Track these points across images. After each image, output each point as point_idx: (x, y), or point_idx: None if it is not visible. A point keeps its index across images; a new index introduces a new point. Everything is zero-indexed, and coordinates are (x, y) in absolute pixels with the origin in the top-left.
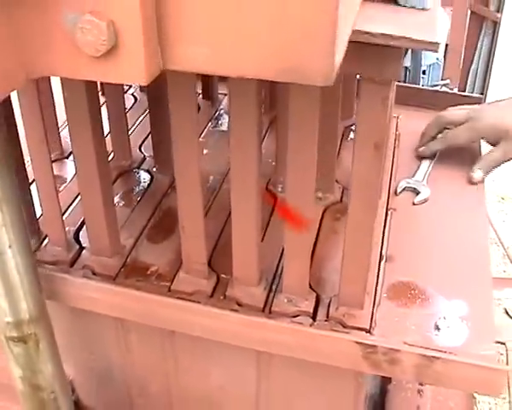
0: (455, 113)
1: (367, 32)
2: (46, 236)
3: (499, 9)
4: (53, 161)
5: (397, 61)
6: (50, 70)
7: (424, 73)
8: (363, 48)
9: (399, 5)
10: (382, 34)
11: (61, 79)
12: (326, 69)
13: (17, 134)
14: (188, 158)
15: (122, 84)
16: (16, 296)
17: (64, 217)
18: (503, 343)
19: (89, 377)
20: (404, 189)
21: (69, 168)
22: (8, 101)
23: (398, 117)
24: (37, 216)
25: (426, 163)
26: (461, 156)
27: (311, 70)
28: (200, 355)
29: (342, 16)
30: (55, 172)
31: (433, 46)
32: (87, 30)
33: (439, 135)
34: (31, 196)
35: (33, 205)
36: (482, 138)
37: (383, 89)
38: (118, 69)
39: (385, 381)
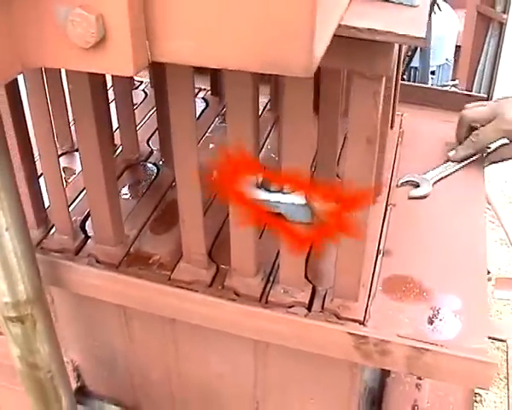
0: (477, 110)
1: (354, 27)
2: (53, 225)
3: (505, 10)
4: (63, 154)
5: (386, 56)
6: (44, 61)
7: (433, 73)
8: (353, 43)
9: (388, 1)
10: (369, 29)
11: (66, 71)
12: (306, 63)
13: (26, 127)
14: (186, 152)
15: (131, 81)
16: (14, 278)
17: (72, 207)
18: (504, 341)
19: (94, 364)
20: (406, 182)
21: (78, 161)
22: (14, 93)
23: (402, 115)
24: (46, 206)
25: (449, 166)
26: None
27: (291, 63)
28: (200, 344)
29: (323, 13)
30: (65, 164)
31: (418, 41)
32: (77, 23)
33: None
34: (39, 187)
35: (42, 196)
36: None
37: (374, 84)
38: (106, 60)
39: (384, 374)
